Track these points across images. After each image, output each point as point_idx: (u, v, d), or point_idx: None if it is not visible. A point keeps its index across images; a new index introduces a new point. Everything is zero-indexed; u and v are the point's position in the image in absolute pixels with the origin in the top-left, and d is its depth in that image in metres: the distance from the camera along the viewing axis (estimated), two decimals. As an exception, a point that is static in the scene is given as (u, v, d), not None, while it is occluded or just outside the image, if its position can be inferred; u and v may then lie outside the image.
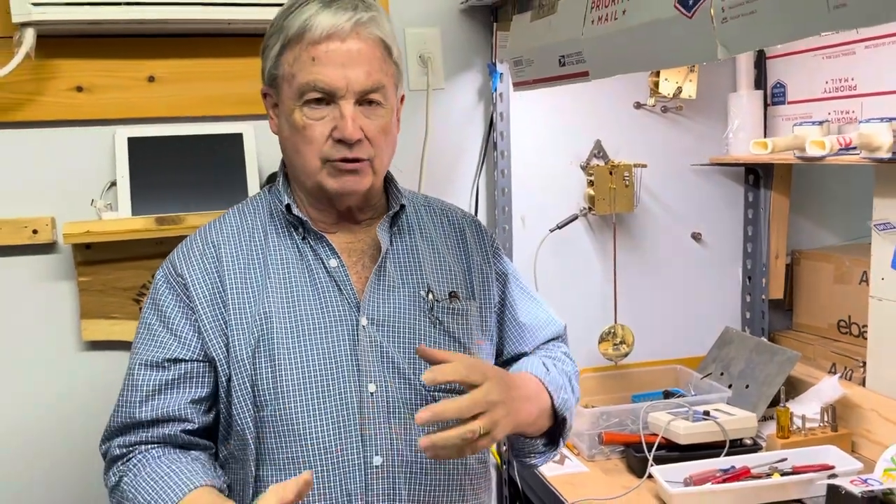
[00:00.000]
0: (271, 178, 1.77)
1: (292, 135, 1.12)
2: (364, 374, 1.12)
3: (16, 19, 1.52)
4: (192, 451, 1.14)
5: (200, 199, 1.72)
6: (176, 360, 1.13)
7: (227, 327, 1.12)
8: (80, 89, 1.67)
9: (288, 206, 1.16)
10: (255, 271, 1.15)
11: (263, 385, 1.10)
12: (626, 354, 2.00)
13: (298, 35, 1.09)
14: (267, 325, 1.11)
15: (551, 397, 1.18)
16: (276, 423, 1.10)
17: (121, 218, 1.66)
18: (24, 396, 1.72)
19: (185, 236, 1.23)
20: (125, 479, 1.10)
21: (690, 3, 1.01)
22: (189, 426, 1.13)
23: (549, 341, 1.35)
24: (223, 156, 1.75)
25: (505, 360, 1.32)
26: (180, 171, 1.73)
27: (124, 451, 1.13)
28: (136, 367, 1.14)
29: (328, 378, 1.11)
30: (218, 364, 1.12)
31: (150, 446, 1.13)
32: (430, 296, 1.19)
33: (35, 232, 1.66)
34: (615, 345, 2.00)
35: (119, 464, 1.13)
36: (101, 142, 1.71)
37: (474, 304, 1.23)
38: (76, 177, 1.70)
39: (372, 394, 1.12)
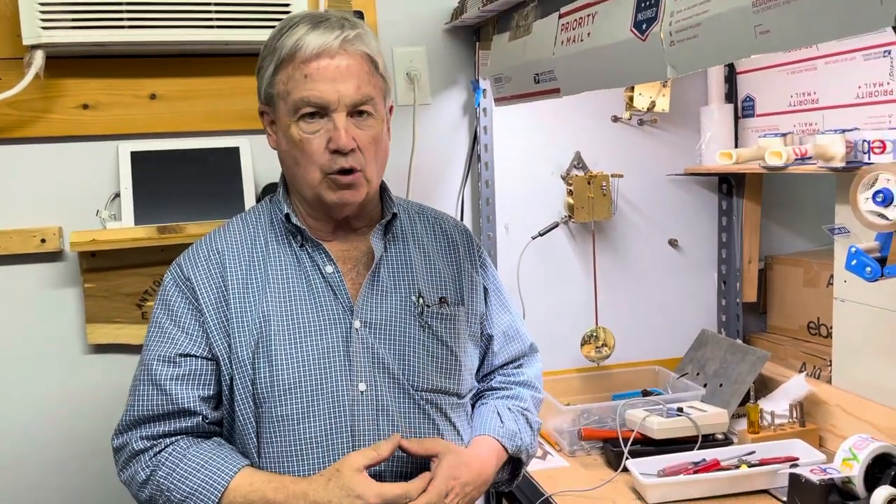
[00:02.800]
0: (267, 189, 1.86)
1: (291, 149, 1.18)
2: (355, 373, 1.19)
3: (26, 41, 1.61)
4: (214, 438, 1.21)
5: (199, 209, 1.80)
6: (187, 355, 1.19)
7: (229, 328, 1.19)
8: (85, 107, 1.77)
9: (287, 216, 1.23)
10: (256, 276, 1.21)
11: (262, 383, 1.17)
12: (607, 356, 2.08)
13: (291, 55, 1.15)
14: (265, 327, 1.18)
15: (507, 450, 1.30)
16: (274, 419, 1.17)
17: (124, 227, 1.75)
18: (32, 397, 1.79)
19: (185, 244, 1.31)
20: (160, 472, 1.16)
21: (644, 27, 1.11)
22: (203, 420, 1.20)
23: (512, 361, 1.43)
24: (221, 168, 1.84)
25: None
26: (180, 182, 1.81)
27: (148, 444, 1.19)
28: (151, 362, 1.20)
29: (321, 376, 1.18)
30: (221, 363, 1.19)
31: (174, 438, 1.19)
32: (421, 300, 1.26)
33: (43, 241, 1.75)
34: (597, 347, 2.08)
35: (146, 457, 1.18)
36: (105, 156, 1.80)
37: (462, 309, 1.31)
38: (82, 189, 1.79)
39: (362, 392, 1.19)
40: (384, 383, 1.21)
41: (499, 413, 1.33)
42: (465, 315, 1.31)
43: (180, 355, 1.19)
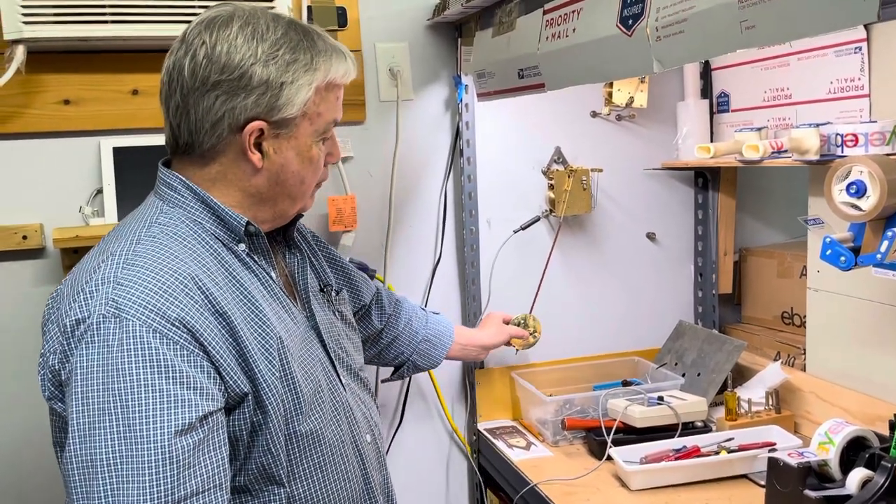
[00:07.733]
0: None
1: (303, 167, 1.14)
2: (336, 370, 1.23)
3: (7, 36, 1.59)
4: None
5: (183, 205, 1.80)
6: (205, 417, 0.98)
7: (248, 361, 1.05)
8: (67, 102, 1.75)
9: (248, 222, 1.12)
10: (239, 296, 1.09)
11: (290, 404, 1.10)
12: (533, 344, 1.97)
13: (336, 82, 1.13)
14: (282, 346, 1.09)
15: None
16: (301, 436, 1.12)
17: (107, 223, 1.74)
18: (13, 397, 1.77)
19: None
20: None
21: (630, 23, 1.14)
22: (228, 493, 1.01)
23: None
24: (204, 164, 1.84)
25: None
26: (163, 179, 1.81)
27: None
28: (163, 437, 0.93)
29: (322, 384, 1.17)
30: (246, 400, 1.05)
31: None
32: (327, 289, 1.31)
33: (24, 238, 1.73)
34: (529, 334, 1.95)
35: None
36: (86, 152, 1.78)
37: (343, 292, 1.40)
38: (63, 185, 1.77)
39: (346, 385, 1.24)
40: (347, 372, 1.27)
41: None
42: (346, 296, 1.41)
43: (200, 419, 0.96)
